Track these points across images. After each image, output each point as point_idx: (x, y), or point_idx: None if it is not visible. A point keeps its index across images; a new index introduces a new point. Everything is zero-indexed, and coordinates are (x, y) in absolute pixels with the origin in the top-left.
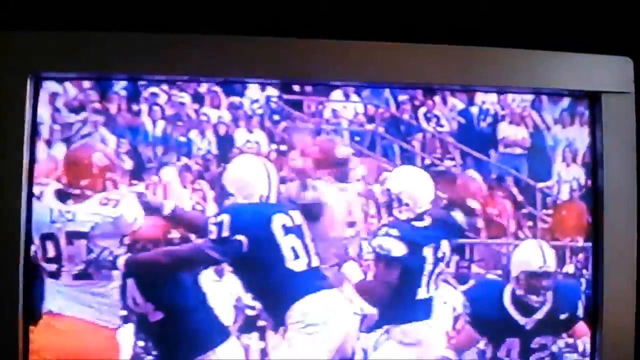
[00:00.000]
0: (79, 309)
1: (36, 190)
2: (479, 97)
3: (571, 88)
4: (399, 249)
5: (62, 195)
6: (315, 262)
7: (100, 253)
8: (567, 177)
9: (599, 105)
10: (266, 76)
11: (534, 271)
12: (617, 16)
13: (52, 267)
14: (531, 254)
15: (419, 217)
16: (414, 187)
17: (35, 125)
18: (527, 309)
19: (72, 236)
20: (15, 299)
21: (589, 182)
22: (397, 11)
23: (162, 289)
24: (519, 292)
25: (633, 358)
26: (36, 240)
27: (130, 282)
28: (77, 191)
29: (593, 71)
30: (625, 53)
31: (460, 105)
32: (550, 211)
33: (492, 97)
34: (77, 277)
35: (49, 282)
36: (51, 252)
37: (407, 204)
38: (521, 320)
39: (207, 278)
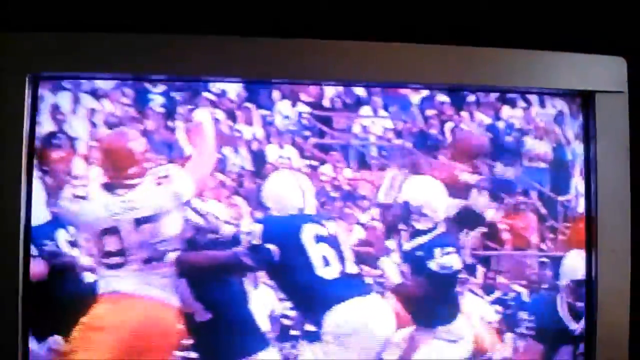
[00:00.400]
0: (149, 290)
1: (79, 192)
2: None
3: (564, 87)
4: (457, 263)
5: (111, 187)
6: (350, 269)
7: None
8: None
9: (593, 105)
10: (268, 76)
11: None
12: (611, 16)
13: (116, 259)
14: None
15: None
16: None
17: (34, 125)
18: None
19: (139, 223)
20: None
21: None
22: (394, 11)
23: (208, 290)
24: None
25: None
26: (93, 237)
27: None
28: (125, 179)
29: (587, 71)
30: (619, 53)
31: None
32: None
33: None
34: (146, 261)
35: (110, 273)
36: (115, 245)
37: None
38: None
39: (245, 285)
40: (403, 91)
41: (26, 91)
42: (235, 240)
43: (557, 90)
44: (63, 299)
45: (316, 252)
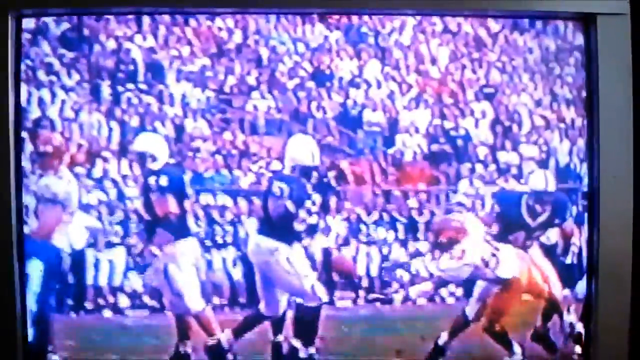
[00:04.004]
0: None
1: None
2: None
3: (566, 10)
4: None
5: None
6: None
7: None
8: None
9: (595, 28)
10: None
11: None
12: None
13: None
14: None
15: None
16: None
17: (19, 62)
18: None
19: None
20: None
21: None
22: None
23: None
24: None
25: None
26: None
27: None
28: None
29: None
30: None
31: None
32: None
33: None
34: None
35: None
36: None
37: None
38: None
39: None
40: (283, 79)
41: (9, 28)
42: None
43: (559, 14)
44: None
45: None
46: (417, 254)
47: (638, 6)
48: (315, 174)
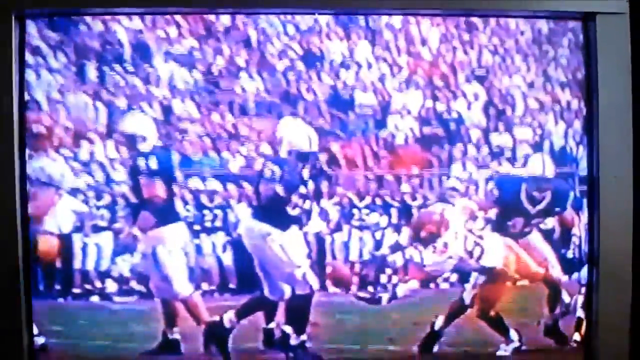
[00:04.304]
0: None
1: None
2: None
3: (566, 9)
4: None
5: None
6: None
7: None
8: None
9: (594, 27)
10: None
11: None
12: None
13: None
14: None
15: None
16: None
17: (23, 62)
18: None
19: None
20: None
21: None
22: None
23: None
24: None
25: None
26: None
27: None
28: None
29: None
30: None
31: None
32: None
33: None
34: None
35: None
36: None
37: None
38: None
39: None
40: (272, 60)
41: (13, 29)
42: None
43: (559, 13)
44: None
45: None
46: (401, 247)
47: (637, 5)
48: (312, 159)
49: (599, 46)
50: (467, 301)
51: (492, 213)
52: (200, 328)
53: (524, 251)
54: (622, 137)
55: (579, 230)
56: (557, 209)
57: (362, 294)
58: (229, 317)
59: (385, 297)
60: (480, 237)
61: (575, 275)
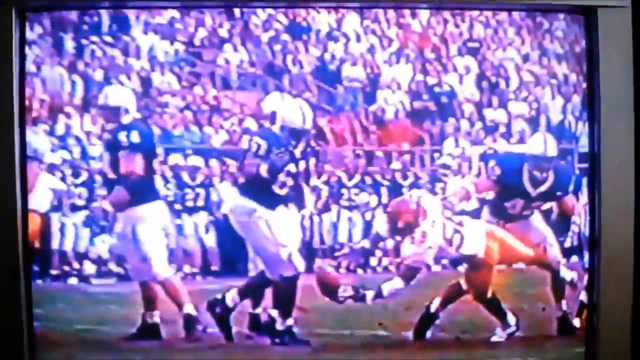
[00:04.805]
0: None
1: None
2: None
3: (567, 3)
4: None
5: None
6: None
7: None
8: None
9: (595, 20)
10: None
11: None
12: None
13: None
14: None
15: None
16: None
17: (23, 54)
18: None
19: None
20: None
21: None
22: None
23: None
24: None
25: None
26: None
27: None
28: None
29: None
30: None
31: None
32: None
33: None
34: None
35: None
36: None
37: None
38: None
39: None
40: (256, 32)
41: (13, 21)
42: None
43: (559, 6)
44: None
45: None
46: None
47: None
48: (305, 136)
49: (600, 40)
50: (462, 285)
51: (489, 194)
52: (182, 312)
53: (511, 235)
54: (624, 130)
55: (579, 210)
56: (559, 193)
57: (346, 293)
58: (231, 295)
59: (369, 294)
60: (460, 223)
61: (575, 259)
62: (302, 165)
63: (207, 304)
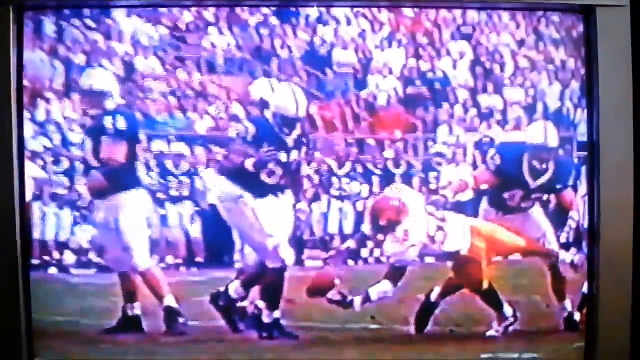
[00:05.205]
0: None
1: None
2: None
3: (565, 2)
4: None
5: None
6: None
7: None
8: None
9: (594, 20)
10: None
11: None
12: None
13: None
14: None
15: None
16: None
17: (21, 54)
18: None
19: None
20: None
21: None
22: None
23: None
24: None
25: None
26: None
27: None
28: None
29: None
30: None
31: None
32: None
33: None
34: None
35: None
36: None
37: None
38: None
39: None
40: (243, 15)
41: (11, 20)
42: None
43: (558, 5)
44: None
45: None
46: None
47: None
48: (298, 124)
49: (599, 40)
50: (455, 280)
51: (487, 186)
52: (162, 305)
53: (501, 228)
54: (623, 130)
55: (578, 202)
56: (559, 185)
57: (335, 297)
58: (234, 287)
59: (357, 300)
60: (443, 219)
61: (574, 251)
62: (293, 154)
63: (210, 297)
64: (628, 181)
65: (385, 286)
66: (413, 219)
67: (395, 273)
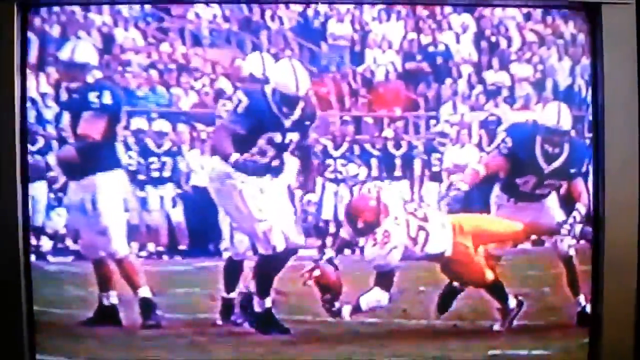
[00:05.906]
0: None
1: None
2: None
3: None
4: None
5: None
6: None
7: None
8: None
9: (599, 17)
10: None
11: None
12: None
13: None
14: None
15: None
16: None
17: (25, 50)
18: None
19: None
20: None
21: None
22: None
23: None
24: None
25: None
26: None
27: None
28: None
29: None
30: None
31: None
32: None
33: None
34: None
35: None
36: None
37: None
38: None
39: None
40: None
41: (15, 17)
42: None
43: (563, 2)
44: None
45: None
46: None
47: None
48: (301, 103)
49: (604, 38)
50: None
51: (498, 171)
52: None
53: (488, 217)
54: (628, 130)
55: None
56: (572, 170)
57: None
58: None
59: (346, 309)
60: (425, 218)
61: (582, 243)
62: (289, 135)
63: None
64: (633, 185)
65: (377, 295)
66: (393, 219)
67: (384, 280)
